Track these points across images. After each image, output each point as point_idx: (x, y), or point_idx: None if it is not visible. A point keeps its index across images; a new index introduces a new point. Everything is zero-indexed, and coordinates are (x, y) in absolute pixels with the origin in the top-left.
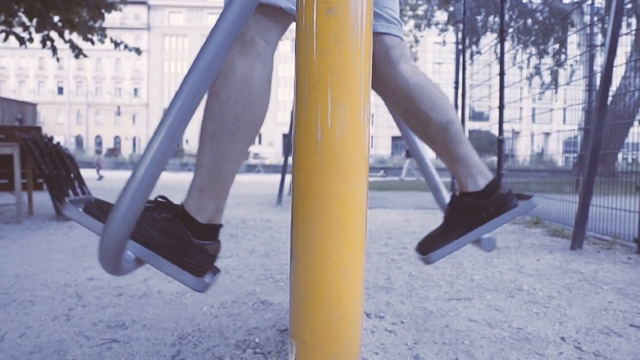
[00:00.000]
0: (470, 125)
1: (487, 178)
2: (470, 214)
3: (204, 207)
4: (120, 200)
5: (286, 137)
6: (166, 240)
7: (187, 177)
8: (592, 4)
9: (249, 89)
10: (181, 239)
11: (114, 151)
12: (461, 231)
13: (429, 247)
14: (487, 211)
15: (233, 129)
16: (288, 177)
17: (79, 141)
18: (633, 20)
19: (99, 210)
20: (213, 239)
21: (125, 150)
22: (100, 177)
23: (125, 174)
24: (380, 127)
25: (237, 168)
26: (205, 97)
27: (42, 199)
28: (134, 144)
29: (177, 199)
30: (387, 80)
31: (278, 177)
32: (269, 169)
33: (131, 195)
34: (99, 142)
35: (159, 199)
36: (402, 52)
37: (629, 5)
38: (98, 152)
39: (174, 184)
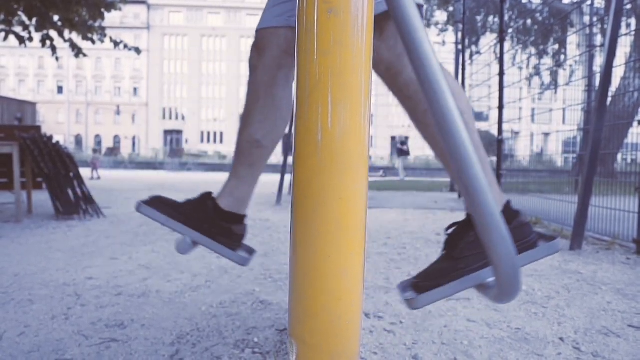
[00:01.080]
0: None
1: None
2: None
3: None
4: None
5: (285, 137)
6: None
7: (185, 176)
8: (592, 4)
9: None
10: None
11: (114, 150)
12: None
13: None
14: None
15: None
16: (287, 177)
17: (78, 140)
18: (633, 21)
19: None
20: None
21: (125, 150)
22: (97, 178)
23: (124, 174)
24: (380, 127)
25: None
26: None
27: (42, 198)
28: (134, 144)
29: (176, 198)
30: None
31: (277, 176)
32: (268, 168)
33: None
34: (98, 141)
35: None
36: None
37: (629, 6)
38: (95, 151)
39: (175, 184)
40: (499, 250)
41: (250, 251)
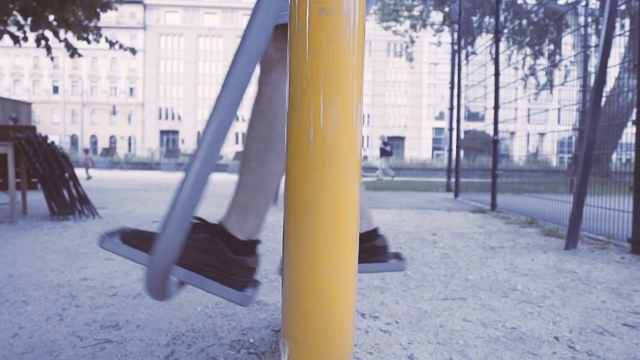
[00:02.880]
0: (466, 125)
1: (370, 225)
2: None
3: (246, 224)
4: (166, 228)
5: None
6: (207, 259)
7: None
8: (587, 5)
9: None
10: (222, 257)
11: (109, 151)
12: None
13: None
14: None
15: (279, 148)
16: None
17: (74, 140)
18: (627, 22)
19: (137, 239)
20: (251, 253)
21: (121, 150)
22: (89, 177)
23: (119, 174)
24: (376, 127)
25: (278, 186)
26: (249, 115)
27: (36, 198)
28: (130, 144)
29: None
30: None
31: None
32: None
33: (175, 221)
34: (94, 141)
35: (195, 221)
36: None
37: (623, 7)
38: (86, 151)
39: (171, 184)
40: (161, 245)
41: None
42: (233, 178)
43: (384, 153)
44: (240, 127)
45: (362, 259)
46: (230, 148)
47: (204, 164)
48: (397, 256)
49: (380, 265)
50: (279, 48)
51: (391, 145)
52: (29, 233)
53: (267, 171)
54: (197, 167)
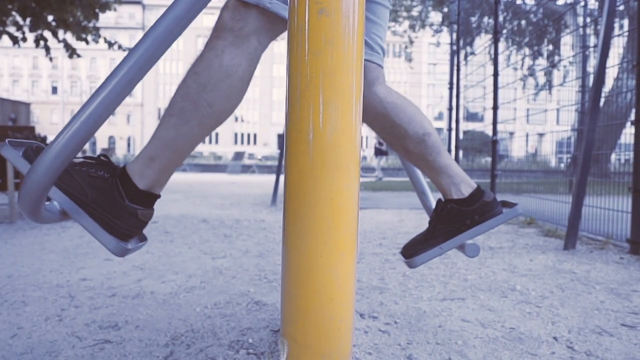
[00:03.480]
0: (465, 125)
1: (471, 186)
2: (454, 220)
3: (148, 175)
4: (51, 146)
5: (281, 137)
6: (97, 198)
7: (181, 177)
8: (585, 5)
9: (230, 81)
10: (113, 199)
11: (108, 151)
12: (445, 237)
13: (412, 251)
14: (472, 218)
15: (203, 113)
16: (283, 178)
17: None
18: (625, 22)
19: (35, 154)
20: (147, 206)
21: (120, 151)
22: None
23: None
24: None
25: (192, 149)
26: (185, 74)
27: None
28: (129, 144)
29: (170, 198)
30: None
31: (272, 177)
32: (264, 169)
33: (63, 143)
34: (93, 142)
35: (101, 157)
36: (377, 75)
37: (622, 7)
38: (83, 152)
39: (169, 184)
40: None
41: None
42: (232, 178)
43: (379, 152)
44: (239, 127)
45: (478, 220)
46: (230, 148)
47: (111, 94)
48: (507, 204)
49: (499, 218)
50: (235, 18)
51: (386, 145)
52: (27, 234)
53: (186, 131)
54: (104, 94)
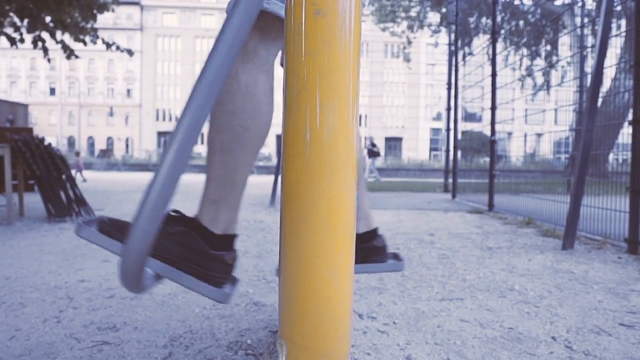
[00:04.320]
0: (463, 126)
1: (369, 227)
2: None
3: (219, 218)
4: (139, 216)
5: (279, 139)
6: (184, 253)
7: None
8: (583, 5)
9: (254, 98)
10: (199, 251)
11: (106, 152)
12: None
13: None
14: (356, 255)
15: (242, 138)
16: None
17: (71, 142)
18: (623, 22)
19: (114, 229)
20: (229, 248)
21: (118, 152)
22: (84, 180)
23: (117, 175)
24: (374, 128)
25: (247, 176)
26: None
27: (33, 200)
28: (127, 145)
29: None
30: None
31: (271, 177)
32: (262, 169)
33: (149, 210)
34: (91, 143)
35: (172, 213)
36: None
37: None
38: (77, 154)
39: None
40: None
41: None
42: None
43: (371, 154)
44: None
45: (360, 259)
46: None
47: (179, 153)
48: (396, 256)
49: (379, 265)
50: None
51: (378, 147)
52: (26, 235)
53: (234, 162)
54: (172, 157)
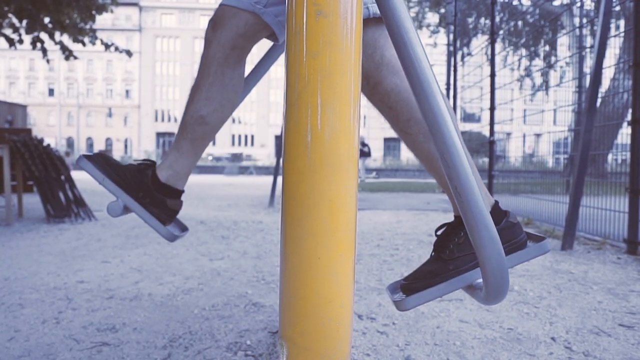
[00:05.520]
0: (462, 126)
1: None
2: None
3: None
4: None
5: (278, 139)
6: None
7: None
8: (582, 6)
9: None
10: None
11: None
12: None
13: (414, 286)
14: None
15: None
16: (280, 179)
17: (70, 143)
18: (622, 23)
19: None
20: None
21: (117, 152)
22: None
23: None
24: (373, 128)
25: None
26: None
27: (32, 201)
28: (126, 146)
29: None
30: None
31: (270, 178)
32: (261, 170)
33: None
34: (90, 143)
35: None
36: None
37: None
38: (67, 154)
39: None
40: (487, 251)
41: (183, 228)
42: (230, 180)
43: (361, 154)
44: (236, 129)
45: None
46: (227, 149)
47: None
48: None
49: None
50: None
51: (369, 147)
52: (25, 236)
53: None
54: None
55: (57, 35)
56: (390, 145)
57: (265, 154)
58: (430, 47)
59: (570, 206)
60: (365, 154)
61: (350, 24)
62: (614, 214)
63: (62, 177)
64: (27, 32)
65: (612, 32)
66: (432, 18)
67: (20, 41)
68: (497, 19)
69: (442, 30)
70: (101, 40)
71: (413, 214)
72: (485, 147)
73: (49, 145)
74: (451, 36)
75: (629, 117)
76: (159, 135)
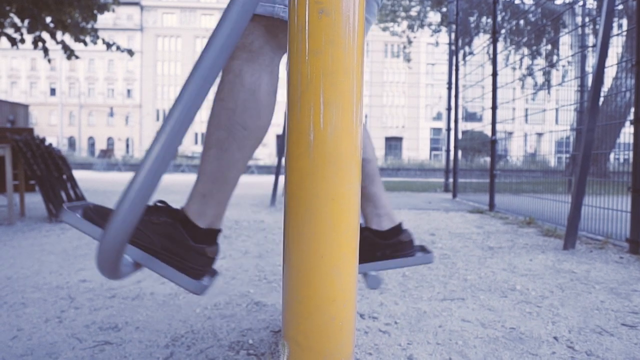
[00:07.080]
0: (464, 126)
1: (393, 222)
2: (366, 248)
3: (205, 212)
4: (121, 204)
5: (280, 138)
6: (165, 243)
7: (180, 178)
8: (584, 5)
9: (256, 98)
10: (180, 242)
11: (107, 152)
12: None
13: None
14: (383, 251)
15: (240, 136)
16: (282, 178)
17: (71, 142)
18: (624, 22)
19: (97, 215)
20: (212, 242)
21: (118, 152)
22: None
23: (117, 176)
24: (374, 127)
25: (239, 175)
26: (210, 103)
27: (34, 200)
28: (127, 145)
29: (171, 199)
30: None
31: (272, 177)
32: (263, 169)
33: (131, 199)
34: (91, 143)
35: (158, 204)
36: None
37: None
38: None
39: (168, 185)
40: (115, 221)
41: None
42: None
43: None
44: None
45: (389, 255)
46: None
47: (166, 144)
48: (423, 249)
49: (408, 259)
50: (243, 34)
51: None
52: (27, 235)
53: (228, 160)
54: (158, 148)
55: (58, 34)
56: (391, 144)
57: (266, 153)
58: (432, 46)
59: (573, 205)
60: None
61: (352, 22)
62: (616, 213)
63: (64, 177)
64: (29, 32)
65: (615, 31)
66: (434, 17)
67: (22, 41)
68: (499, 18)
69: (443, 29)
70: (103, 40)
71: (415, 213)
72: (486, 146)
73: (50, 144)
74: (453, 35)
75: (631, 116)
76: None
